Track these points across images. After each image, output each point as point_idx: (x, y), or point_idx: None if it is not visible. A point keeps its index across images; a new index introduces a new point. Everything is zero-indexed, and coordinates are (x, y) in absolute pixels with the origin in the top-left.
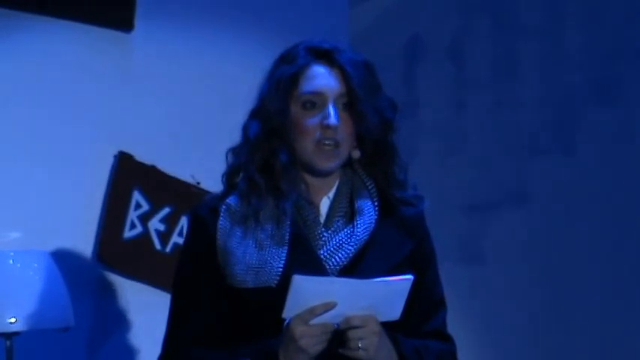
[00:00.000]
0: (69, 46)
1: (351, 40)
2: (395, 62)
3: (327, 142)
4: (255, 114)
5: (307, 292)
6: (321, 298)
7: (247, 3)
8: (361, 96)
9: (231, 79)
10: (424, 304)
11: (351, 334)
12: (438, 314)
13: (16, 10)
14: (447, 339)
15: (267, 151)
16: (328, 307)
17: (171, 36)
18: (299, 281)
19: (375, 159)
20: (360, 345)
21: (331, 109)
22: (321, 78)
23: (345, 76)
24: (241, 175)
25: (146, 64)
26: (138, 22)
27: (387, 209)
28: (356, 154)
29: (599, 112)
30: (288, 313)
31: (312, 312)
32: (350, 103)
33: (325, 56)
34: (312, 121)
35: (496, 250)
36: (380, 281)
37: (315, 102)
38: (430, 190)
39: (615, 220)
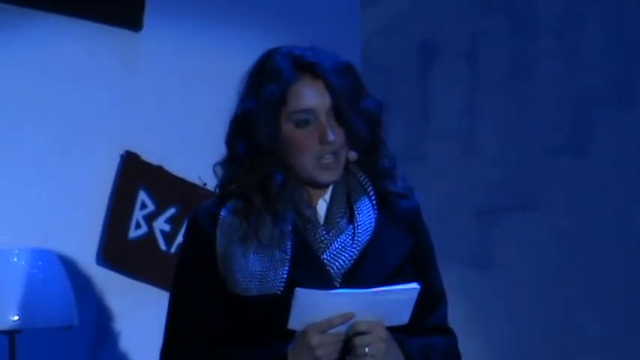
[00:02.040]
0: (78, 44)
1: (363, 42)
2: (408, 64)
3: (326, 156)
4: (242, 129)
5: (312, 305)
6: (326, 310)
7: (258, 4)
8: (347, 107)
9: (239, 80)
10: (425, 299)
11: (358, 340)
12: (439, 308)
13: (26, 7)
14: (449, 333)
15: (262, 172)
16: (346, 318)
17: (180, 35)
18: (302, 295)
19: (366, 155)
20: (367, 351)
21: (326, 125)
22: (310, 94)
23: (329, 89)
24: (234, 186)
25: (155, 63)
26: (147, 20)
27: (383, 205)
28: (353, 156)
29: (615, 114)
30: (293, 324)
31: (330, 323)
32: (337, 114)
33: (308, 69)
34: (309, 138)
35: (508, 255)
36: (384, 290)
37: (307, 119)
38: (443, 193)
39: (630, 224)
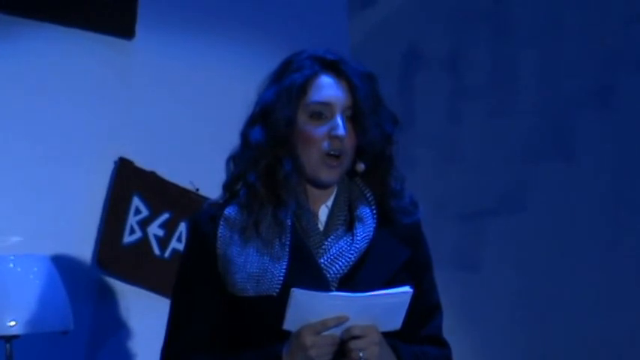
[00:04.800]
0: (71, 53)
1: (350, 49)
2: (393, 71)
3: (332, 153)
4: (258, 120)
5: (307, 306)
6: (321, 312)
7: (248, 13)
8: (366, 109)
9: (230, 87)
10: (421, 309)
11: (352, 344)
12: (435, 319)
13: (19, 16)
14: (443, 344)
15: (271, 159)
16: (340, 321)
17: (172, 43)
18: (298, 295)
19: (373, 170)
20: (361, 355)
21: (339, 121)
22: (330, 88)
23: (351, 88)
24: (241, 183)
25: (147, 71)
26: (139, 29)
27: (384, 218)
28: (360, 167)
29: (597, 119)
30: (288, 325)
31: (325, 324)
32: (354, 116)
33: (332, 67)
34: (319, 131)
35: (493, 258)
36: (379, 295)
37: (322, 112)
38: (427, 199)
39: (612, 228)
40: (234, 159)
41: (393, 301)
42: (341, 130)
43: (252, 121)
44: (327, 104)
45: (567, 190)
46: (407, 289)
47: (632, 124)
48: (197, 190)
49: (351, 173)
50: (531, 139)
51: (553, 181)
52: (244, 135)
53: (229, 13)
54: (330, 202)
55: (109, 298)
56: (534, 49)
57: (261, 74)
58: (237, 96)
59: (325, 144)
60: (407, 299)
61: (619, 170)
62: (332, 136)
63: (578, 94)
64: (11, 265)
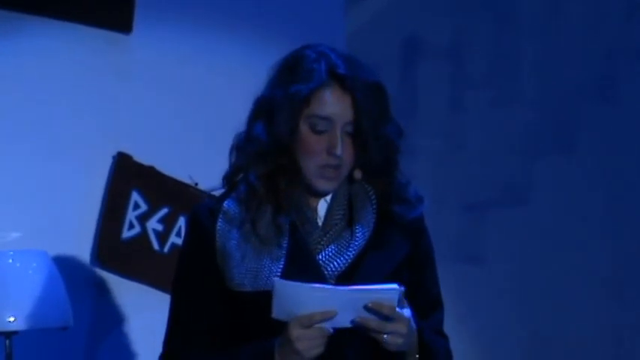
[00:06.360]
0: (68, 48)
1: (347, 39)
2: (392, 61)
3: (328, 168)
4: (262, 115)
5: (291, 297)
6: (306, 303)
7: (244, 5)
8: (367, 128)
9: (229, 80)
10: (422, 303)
11: (377, 325)
12: (435, 314)
13: (16, 11)
14: (444, 338)
15: (273, 165)
16: (326, 316)
17: (169, 38)
18: (279, 286)
19: (374, 173)
20: (385, 338)
21: (338, 138)
22: (333, 104)
23: (354, 105)
24: (241, 175)
25: (145, 66)
26: (137, 23)
27: (385, 213)
28: (357, 174)
29: (599, 110)
30: (277, 314)
31: (311, 319)
32: (355, 132)
33: (340, 79)
34: (319, 145)
35: (495, 249)
36: (363, 289)
37: (323, 126)
38: (429, 189)
39: (615, 219)
40: (237, 149)
41: (380, 297)
42: (338, 150)
43: (256, 115)
44: (327, 119)
45: (569, 181)
46: (394, 286)
47: (635, 115)
48: (196, 184)
49: (350, 178)
50: (533, 129)
51: (555, 173)
52: (248, 127)
53: (226, 6)
54: (328, 197)
55: (108, 293)
56: (536, 39)
57: (258, 66)
58: (235, 89)
59: (323, 158)
60: (395, 296)
61: (621, 162)
62: (329, 153)
63: (581, 84)
64: (10, 261)
